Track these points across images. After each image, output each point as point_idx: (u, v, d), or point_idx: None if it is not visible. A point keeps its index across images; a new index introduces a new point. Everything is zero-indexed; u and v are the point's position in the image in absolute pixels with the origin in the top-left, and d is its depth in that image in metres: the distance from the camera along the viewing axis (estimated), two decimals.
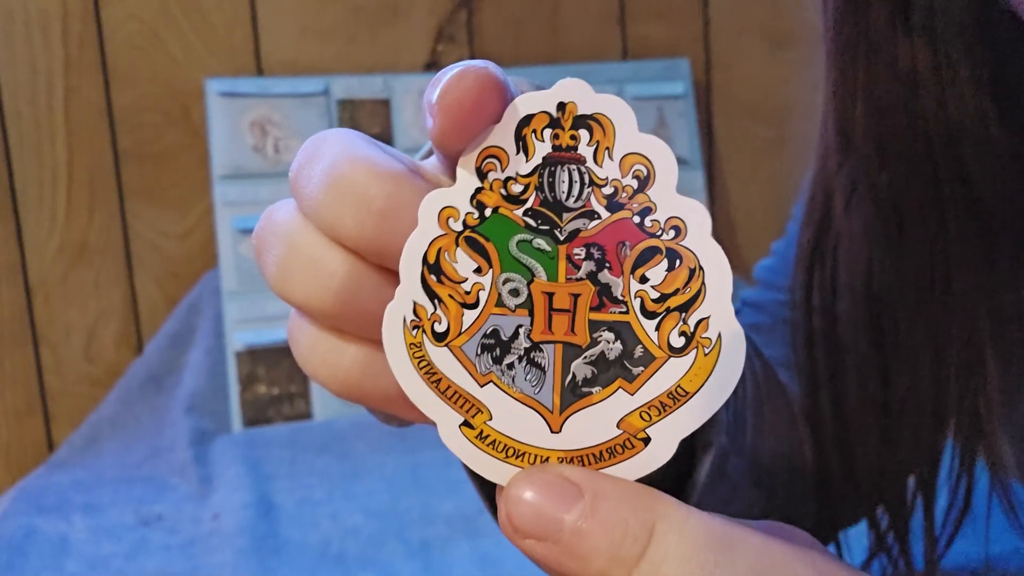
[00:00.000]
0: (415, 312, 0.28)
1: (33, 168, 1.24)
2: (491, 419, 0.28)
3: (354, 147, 0.28)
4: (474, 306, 0.28)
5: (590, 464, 0.28)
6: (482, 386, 0.28)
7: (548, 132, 0.27)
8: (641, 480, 0.28)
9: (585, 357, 0.27)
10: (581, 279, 0.27)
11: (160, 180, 1.28)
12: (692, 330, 0.26)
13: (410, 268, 0.28)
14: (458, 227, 0.28)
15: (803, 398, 0.54)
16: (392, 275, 0.29)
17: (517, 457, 0.28)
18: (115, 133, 1.26)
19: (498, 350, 0.28)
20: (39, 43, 1.23)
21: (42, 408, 1.27)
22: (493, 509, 0.40)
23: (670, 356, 0.27)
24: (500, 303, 0.28)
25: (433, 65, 1.34)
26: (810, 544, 0.30)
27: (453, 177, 0.28)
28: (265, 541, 0.94)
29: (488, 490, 0.39)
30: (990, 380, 0.49)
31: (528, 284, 0.28)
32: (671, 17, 1.39)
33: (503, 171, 0.27)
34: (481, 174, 0.27)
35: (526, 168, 0.27)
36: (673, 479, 0.44)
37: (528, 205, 0.27)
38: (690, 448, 0.43)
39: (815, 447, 0.53)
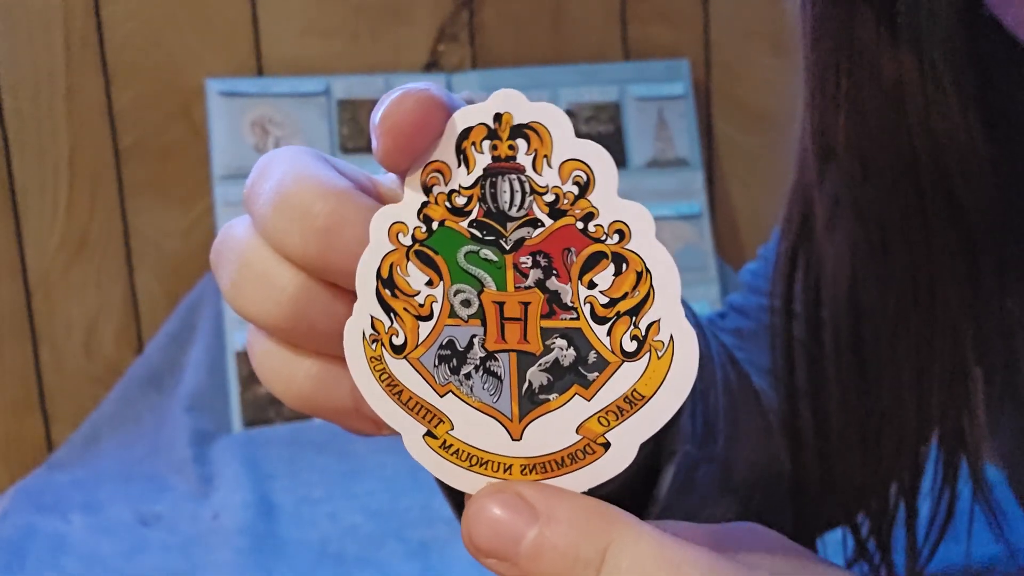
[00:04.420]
0: (373, 326, 0.28)
1: (34, 165, 1.24)
2: (453, 428, 0.28)
3: (301, 165, 0.29)
4: (428, 318, 0.28)
5: (552, 471, 0.27)
6: (442, 396, 0.28)
7: (487, 144, 0.27)
8: (608, 488, 0.27)
9: (540, 364, 0.27)
10: (529, 287, 0.27)
11: (161, 178, 1.29)
12: (644, 334, 0.26)
13: (365, 283, 0.28)
14: (407, 241, 0.28)
15: (781, 406, 0.54)
16: (341, 291, 0.29)
17: (481, 465, 0.28)
18: (116, 131, 1.27)
19: (455, 360, 0.28)
20: (40, 42, 1.23)
21: (40, 405, 1.28)
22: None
23: (624, 360, 0.26)
24: (453, 314, 0.28)
25: (434, 65, 1.34)
26: (779, 546, 0.30)
27: None
28: (264, 540, 0.94)
29: (457, 499, 0.40)
30: (974, 393, 0.49)
31: (478, 294, 0.28)
32: (672, 18, 1.38)
33: (447, 184, 0.27)
34: (426, 188, 0.28)
35: (468, 180, 0.27)
36: (642, 487, 0.44)
37: (472, 216, 0.27)
38: (657, 459, 0.44)
39: (792, 455, 0.53)
